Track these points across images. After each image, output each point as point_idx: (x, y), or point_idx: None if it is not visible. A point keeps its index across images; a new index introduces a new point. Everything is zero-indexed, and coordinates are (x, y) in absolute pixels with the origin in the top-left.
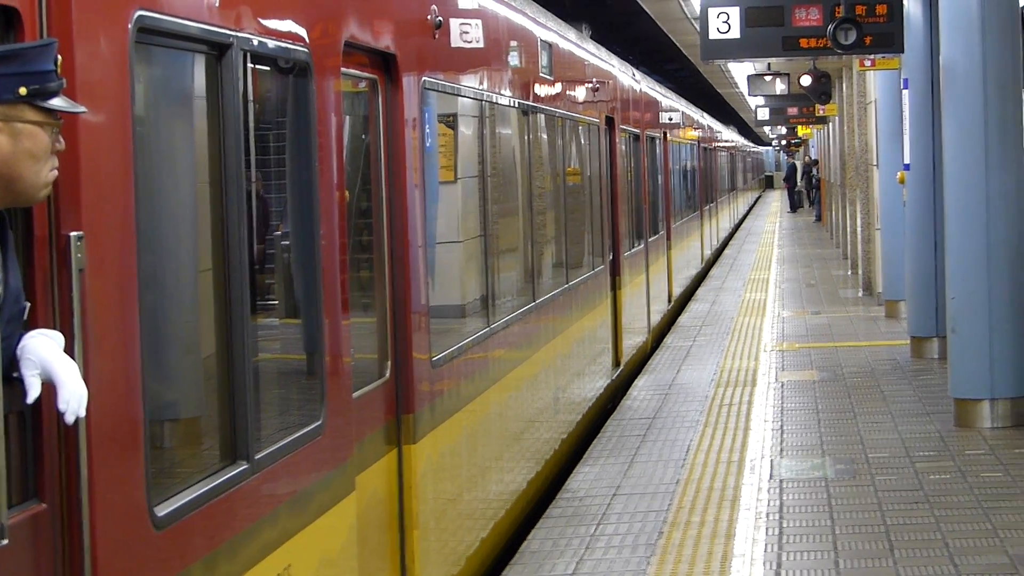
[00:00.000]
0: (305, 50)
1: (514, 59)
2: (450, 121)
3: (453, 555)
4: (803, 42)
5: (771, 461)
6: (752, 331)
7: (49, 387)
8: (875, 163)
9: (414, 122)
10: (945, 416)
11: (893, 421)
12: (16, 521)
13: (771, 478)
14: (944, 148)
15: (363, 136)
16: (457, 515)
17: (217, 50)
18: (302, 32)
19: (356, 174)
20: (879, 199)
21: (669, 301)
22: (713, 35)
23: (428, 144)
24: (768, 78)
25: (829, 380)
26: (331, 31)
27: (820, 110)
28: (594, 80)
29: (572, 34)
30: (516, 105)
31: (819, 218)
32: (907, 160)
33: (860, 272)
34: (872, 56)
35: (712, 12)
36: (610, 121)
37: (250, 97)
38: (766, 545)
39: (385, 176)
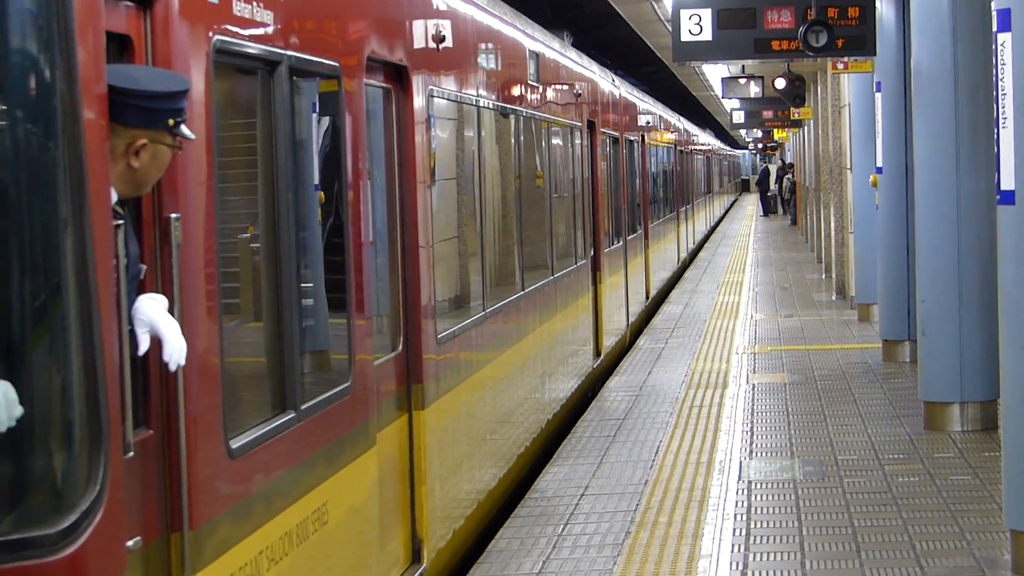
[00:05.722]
0: (336, 64)
1: (506, 68)
2: (452, 126)
3: (455, 513)
4: (775, 44)
5: (740, 462)
6: (725, 333)
7: (155, 341)
8: (849, 167)
9: (423, 127)
10: (915, 419)
11: (863, 423)
12: (133, 441)
13: (739, 479)
14: (915, 151)
15: (381, 140)
16: (458, 479)
17: (270, 67)
18: (334, 49)
19: (374, 175)
20: (853, 203)
21: (647, 298)
22: (685, 37)
23: (434, 146)
24: (742, 81)
25: (800, 383)
26: (356, 48)
27: (795, 113)
28: (576, 86)
29: (556, 43)
30: (508, 111)
31: (794, 222)
32: (879, 163)
33: (833, 275)
34: (845, 59)
35: (684, 14)
36: (591, 124)
37: (294, 107)
38: (733, 546)
39: (398, 176)
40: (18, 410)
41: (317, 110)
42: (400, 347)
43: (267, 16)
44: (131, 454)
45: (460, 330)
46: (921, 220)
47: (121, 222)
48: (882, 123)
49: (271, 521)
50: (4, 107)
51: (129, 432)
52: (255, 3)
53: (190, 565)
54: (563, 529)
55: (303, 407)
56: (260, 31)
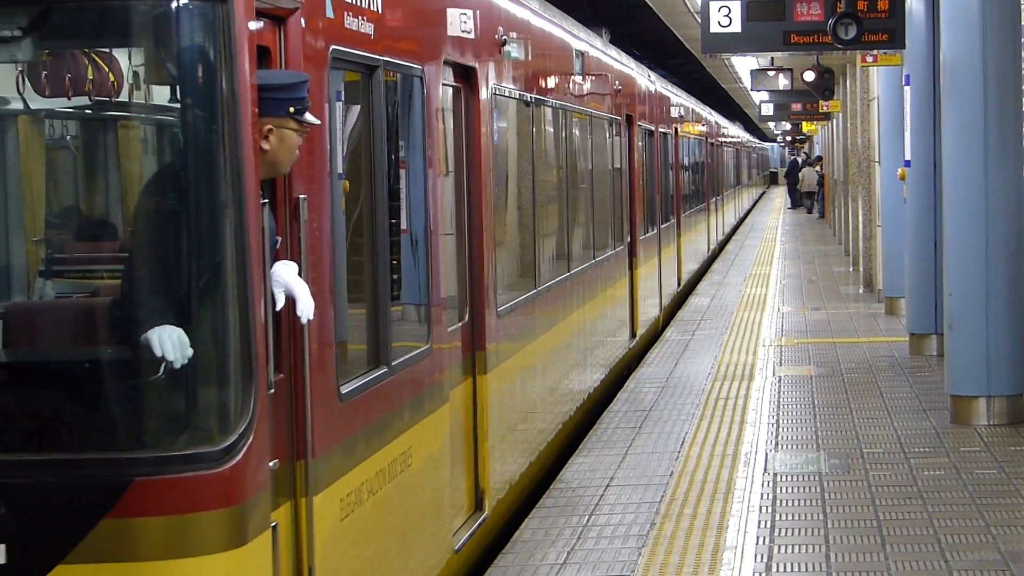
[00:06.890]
0: (420, 67)
1: (556, 67)
2: (512, 121)
3: (511, 469)
4: (804, 37)
5: (765, 455)
6: (751, 326)
7: (287, 300)
8: (877, 159)
9: (488, 122)
10: (942, 413)
11: (889, 417)
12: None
13: (765, 472)
14: (943, 145)
15: (452, 134)
16: (513, 440)
17: (370, 71)
18: (418, 55)
19: (447, 166)
20: (881, 196)
21: (679, 284)
22: (714, 28)
23: (496, 140)
24: (771, 73)
25: (826, 376)
26: (435, 53)
27: (824, 106)
28: (616, 82)
29: (598, 42)
30: (558, 106)
31: (822, 215)
32: (908, 157)
33: (861, 269)
34: (874, 52)
35: (713, 5)
36: (629, 118)
37: (388, 104)
38: (758, 538)
39: (465, 167)
40: (189, 351)
41: (404, 107)
42: (466, 317)
43: (369, 28)
44: (272, 391)
45: (516, 305)
46: (949, 214)
47: (265, 201)
48: (911, 116)
49: (369, 458)
50: (183, 104)
51: (271, 373)
52: (360, 17)
53: (312, 487)
54: (588, 520)
55: (393, 363)
56: (364, 41)
